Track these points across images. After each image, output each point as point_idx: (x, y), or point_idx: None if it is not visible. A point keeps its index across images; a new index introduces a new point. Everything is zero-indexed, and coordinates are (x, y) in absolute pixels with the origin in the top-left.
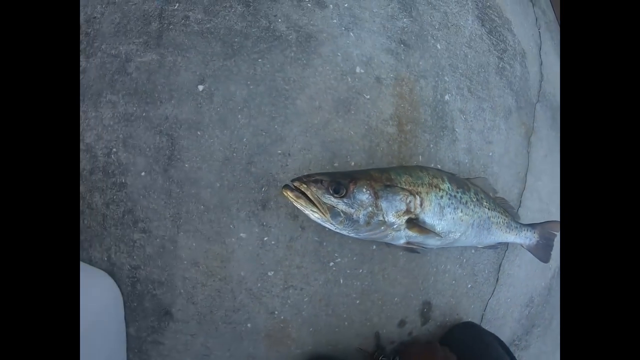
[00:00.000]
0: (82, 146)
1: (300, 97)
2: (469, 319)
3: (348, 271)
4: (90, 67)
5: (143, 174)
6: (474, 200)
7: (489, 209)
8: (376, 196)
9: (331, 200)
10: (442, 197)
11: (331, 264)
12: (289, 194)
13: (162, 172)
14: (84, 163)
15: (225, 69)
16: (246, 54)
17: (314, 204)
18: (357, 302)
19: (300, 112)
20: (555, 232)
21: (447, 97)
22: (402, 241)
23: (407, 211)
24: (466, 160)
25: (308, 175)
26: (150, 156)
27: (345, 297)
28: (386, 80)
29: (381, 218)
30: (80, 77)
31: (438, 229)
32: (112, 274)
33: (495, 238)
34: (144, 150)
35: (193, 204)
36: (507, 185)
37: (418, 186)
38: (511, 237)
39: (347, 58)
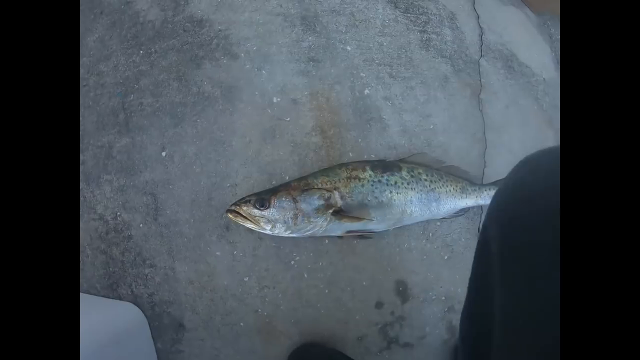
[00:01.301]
0: (95, 216)
1: (234, 139)
2: (458, 294)
3: (309, 266)
4: (87, 159)
5: (141, 225)
6: (407, 177)
7: (430, 182)
8: (295, 201)
9: (258, 213)
10: (363, 185)
11: (292, 262)
12: (230, 216)
13: (153, 221)
14: (100, 228)
15: (177, 135)
16: (188, 118)
17: (247, 219)
18: (326, 291)
19: (236, 150)
20: None
21: (367, 91)
22: (341, 231)
23: (329, 206)
24: (403, 142)
25: (240, 199)
26: (143, 212)
27: (314, 288)
28: (301, 99)
29: (305, 217)
30: (82, 167)
31: (367, 211)
32: (136, 303)
33: (452, 206)
34: (138, 209)
35: (179, 238)
36: (462, 150)
37: (335, 182)
38: (471, 200)
39: (264, 94)
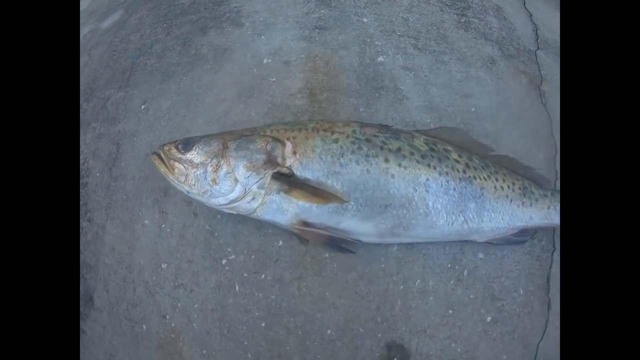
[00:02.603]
0: None
1: (209, 96)
2: None
3: (245, 274)
4: (87, 108)
5: (98, 174)
6: (423, 148)
7: (466, 166)
8: (225, 146)
9: (177, 155)
10: (336, 140)
11: (224, 261)
12: (152, 158)
13: (107, 172)
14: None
15: (160, 90)
16: (176, 76)
17: (163, 163)
18: (263, 324)
19: (206, 107)
20: None
21: (380, 58)
22: (289, 217)
23: (271, 162)
24: (428, 120)
25: (173, 140)
26: (104, 161)
27: (245, 313)
28: (295, 61)
29: (229, 172)
30: (82, 115)
31: (339, 188)
32: None
33: (505, 216)
34: (102, 157)
35: (120, 194)
36: (520, 147)
37: (293, 131)
38: (539, 213)
39: (256, 55)
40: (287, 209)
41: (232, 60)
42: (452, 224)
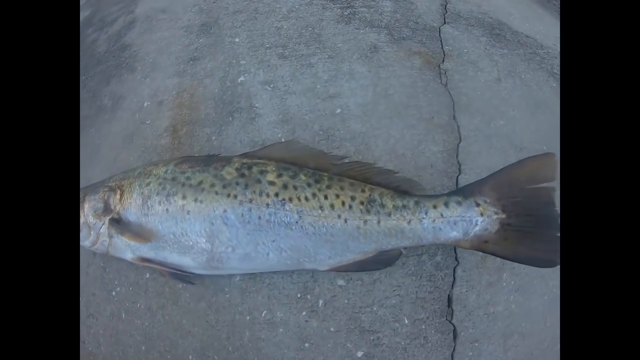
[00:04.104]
0: None
1: (104, 145)
2: None
3: (127, 304)
4: None
5: None
6: (228, 178)
7: (284, 187)
8: (83, 199)
9: None
10: (148, 184)
11: (113, 292)
12: None
13: None
14: None
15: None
16: (85, 129)
17: None
18: (143, 348)
19: (102, 156)
20: (549, 183)
21: (241, 78)
22: (130, 254)
23: (107, 210)
24: (280, 134)
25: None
26: None
27: (130, 337)
28: (167, 99)
29: (84, 221)
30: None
31: (151, 228)
32: None
33: (340, 244)
34: None
35: None
36: (405, 143)
37: (125, 179)
38: (393, 230)
39: (139, 99)
40: (127, 248)
41: (123, 108)
42: (268, 254)
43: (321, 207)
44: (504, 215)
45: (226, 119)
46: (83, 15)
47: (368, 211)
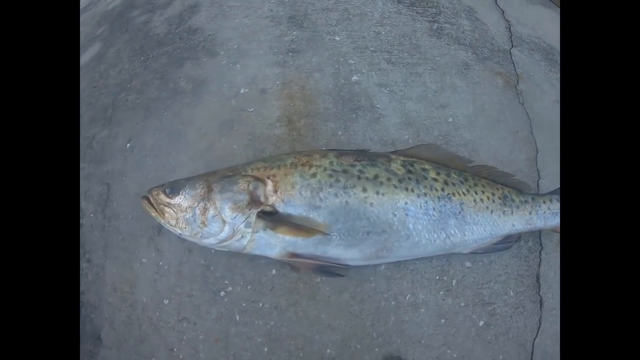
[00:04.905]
0: None
1: (190, 131)
2: None
3: (244, 304)
4: None
5: (91, 215)
6: (400, 172)
7: (445, 183)
8: (209, 189)
9: (165, 200)
10: (314, 174)
11: (222, 293)
12: (143, 203)
13: (101, 212)
14: None
15: (143, 127)
16: (157, 112)
17: (153, 208)
18: (265, 349)
19: (189, 143)
20: None
21: (355, 77)
22: (278, 251)
23: (254, 202)
24: (406, 136)
25: (160, 184)
26: (96, 201)
27: (247, 339)
28: (271, 88)
29: (216, 214)
30: None
31: (321, 221)
32: None
33: (487, 228)
34: (93, 198)
35: (115, 234)
36: (501, 152)
37: (272, 169)
38: (520, 219)
39: (232, 86)
40: (275, 244)
41: (210, 92)
42: (435, 241)
43: (474, 201)
44: None
45: (349, 115)
46: None
47: (504, 204)
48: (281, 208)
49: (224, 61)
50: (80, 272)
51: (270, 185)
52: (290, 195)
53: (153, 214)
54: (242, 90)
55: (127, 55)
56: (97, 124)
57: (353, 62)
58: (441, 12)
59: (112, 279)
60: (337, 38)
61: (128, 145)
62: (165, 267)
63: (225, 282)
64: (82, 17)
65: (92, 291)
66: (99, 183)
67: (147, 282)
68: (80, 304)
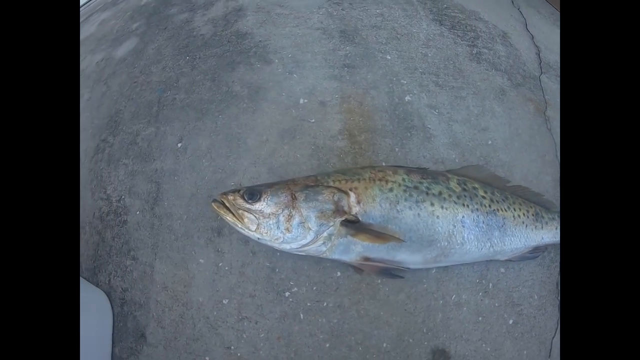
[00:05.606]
0: (103, 195)
1: (250, 137)
2: None
3: (308, 304)
4: (115, 142)
5: (138, 212)
6: (457, 190)
7: (491, 200)
8: (293, 197)
9: (244, 205)
10: (391, 189)
11: (287, 294)
12: (214, 206)
13: (149, 210)
14: (104, 208)
15: (196, 128)
16: (211, 114)
17: (230, 212)
18: (327, 346)
19: (250, 148)
20: None
21: (408, 97)
22: (354, 256)
23: (338, 211)
24: (454, 156)
25: (234, 189)
26: (143, 199)
27: (310, 336)
28: (331, 101)
29: (302, 221)
30: (109, 150)
31: (396, 229)
32: (109, 295)
33: (522, 239)
34: (141, 195)
35: (167, 233)
36: (531, 173)
37: (353, 182)
38: (548, 233)
39: (291, 95)
40: (353, 249)
41: (268, 100)
42: (482, 249)
43: (513, 216)
44: None
45: (404, 134)
46: None
47: (536, 220)
48: (363, 217)
49: (279, 69)
50: (124, 269)
51: (353, 197)
52: (371, 207)
53: (229, 218)
54: (301, 101)
55: (170, 53)
56: (141, 121)
57: (405, 82)
58: (479, 36)
59: (162, 278)
60: (389, 57)
61: (179, 145)
62: (226, 268)
63: (291, 283)
64: (113, 11)
65: (138, 289)
66: (146, 181)
67: (205, 282)
68: (123, 301)
